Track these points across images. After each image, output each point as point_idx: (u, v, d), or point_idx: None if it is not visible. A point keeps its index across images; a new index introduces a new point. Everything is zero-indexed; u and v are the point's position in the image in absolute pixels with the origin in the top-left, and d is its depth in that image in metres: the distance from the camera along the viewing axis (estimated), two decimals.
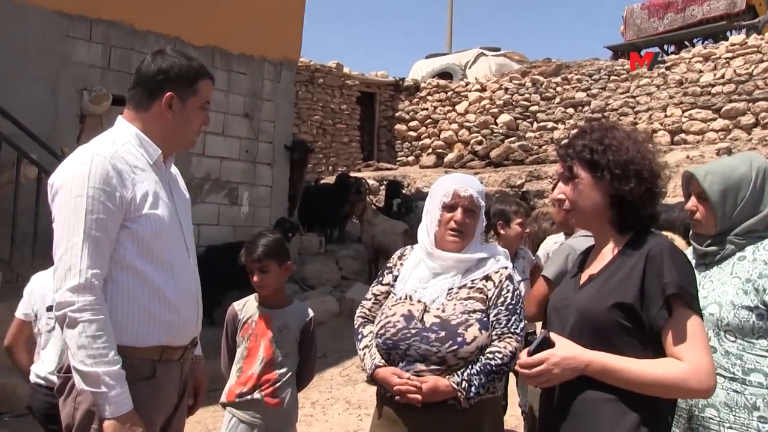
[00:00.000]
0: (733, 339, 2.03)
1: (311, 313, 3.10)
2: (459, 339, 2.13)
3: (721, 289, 2.08)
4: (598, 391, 1.68)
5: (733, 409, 1.98)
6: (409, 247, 2.50)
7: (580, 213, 1.87)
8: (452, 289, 2.25)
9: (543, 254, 3.97)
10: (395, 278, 2.39)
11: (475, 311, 2.19)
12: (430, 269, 2.31)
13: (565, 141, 1.91)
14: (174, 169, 2.31)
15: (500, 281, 2.27)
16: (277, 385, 2.89)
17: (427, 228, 2.36)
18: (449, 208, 2.30)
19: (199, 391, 2.40)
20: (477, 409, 2.14)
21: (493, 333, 2.19)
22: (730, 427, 1.98)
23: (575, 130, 1.95)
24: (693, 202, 2.21)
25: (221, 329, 3.11)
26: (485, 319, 2.19)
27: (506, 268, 2.32)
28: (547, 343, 1.72)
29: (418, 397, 2.09)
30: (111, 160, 1.96)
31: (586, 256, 1.97)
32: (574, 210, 1.87)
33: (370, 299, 2.44)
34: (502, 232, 4.15)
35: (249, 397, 2.87)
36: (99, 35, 7.12)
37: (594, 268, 1.86)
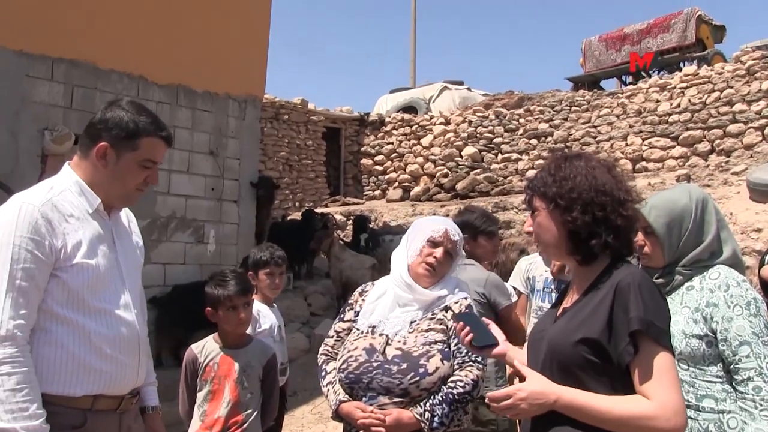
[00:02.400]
0: (686, 367, 2.09)
1: (273, 349, 3.07)
2: (421, 370, 2.13)
3: (673, 319, 2.10)
4: (569, 427, 1.65)
5: None
6: (370, 283, 2.53)
7: (543, 245, 1.87)
8: (414, 321, 2.26)
9: (520, 275, 4.04)
10: (357, 314, 2.41)
11: (436, 342, 2.20)
12: (397, 299, 2.32)
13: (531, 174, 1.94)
14: (126, 217, 2.29)
15: (460, 312, 2.29)
16: (245, 426, 2.83)
17: (405, 257, 2.41)
18: (434, 244, 2.36)
19: None
20: None
21: (455, 362, 2.20)
22: None
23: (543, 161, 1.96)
24: (640, 237, 2.25)
25: None
26: (447, 349, 2.20)
27: (466, 298, 2.35)
28: (469, 317, 1.76)
29: (382, 430, 2.08)
30: (41, 209, 1.93)
31: (567, 287, 1.95)
32: (539, 243, 1.88)
33: (332, 336, 2.46)
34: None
35: None
36: (60, 74, 7.03)
37: (568, 300, 1.86)
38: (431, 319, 2.27)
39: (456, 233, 2.41)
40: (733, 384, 2.01)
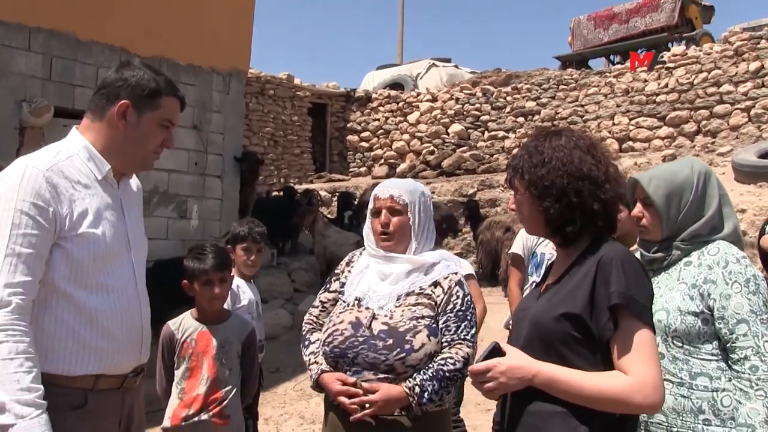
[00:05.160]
0: (680, 345, 2.05)
1: (251, 324, 3.03)
2: (407, 346, 2.10)
3: (669, 295, 2.09)
4: (549, 404, 1.64)
5: (680, 414, 2.00)
6: (357, 251, 2.47)
7: (526, 224, 1.87)
8: (401, 295, 2.22)
9: (523, 240, 4.02)
10: (342, 284, 2.36)
11: (423, 317, 2.16)
12: (378, 273, 2.28)
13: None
14: (134, 186, 2.17)
15: (449, 287, 2.24)
16: (224, 403, 2.79)
17: (367, 237, 2.37)
18: (375, 213, 2.32)
19: None
20: (424, 423, 2.11)
21: (443, 340, 2.16)
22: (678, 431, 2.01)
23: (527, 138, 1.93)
24: (638, 208, 2.22)
25: None
26: (434, 325, 2.16)
27: (456, 273, 2.29)
28: (497, 352, 1.68)
29: (357, 407, 2.07)
30: (46, 173, 1.82)
31: (552, 265, 1.93)
32: (522, 221, 1.88)
33: (317, 306, 2.41)
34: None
35: (196, 419, 2.76)
36: (38, 45, 6.87)
37: (552, 277, 1.84)
38: (419, 294, 2.22)
39: (386, 188, 2.31)
40: (729, 363, 1.98)
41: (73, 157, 1.93)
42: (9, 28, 6.62)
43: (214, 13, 8.45)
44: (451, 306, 2.20)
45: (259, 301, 3.57)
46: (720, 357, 2.01)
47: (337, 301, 2.33)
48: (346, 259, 2.47)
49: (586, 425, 1.60)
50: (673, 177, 2.17)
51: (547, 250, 3.98)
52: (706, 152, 11.52)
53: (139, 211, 2.18)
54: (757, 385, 1.91)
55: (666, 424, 2.02)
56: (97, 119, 1.98)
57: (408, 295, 2.21)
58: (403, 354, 2.08)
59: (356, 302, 2.25)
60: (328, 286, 2.43)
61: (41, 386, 1.71)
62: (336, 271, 2.44)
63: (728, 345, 1.98)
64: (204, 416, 2.76)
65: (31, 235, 1.77)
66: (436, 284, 2.24)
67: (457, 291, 2.23)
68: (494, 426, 4.41)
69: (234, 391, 2.84)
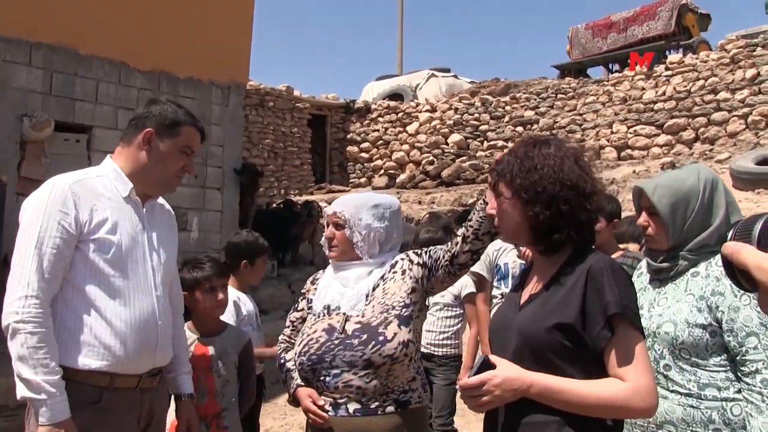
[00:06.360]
0: (687, 357, 2.01)
1: (248, 335, 3.06)
2: (380, 338, 2.13)
3: (676, 306, 2.05)
4: (543, 414, 1.64)
5: (690, 425, 1.97)
6: (320, 271, 2.55)
7: (506, 232, 1.85)
8: (368, 293, 2.28)
9: (486, 260, 4.16)
10: (310, 301, 2.43)
11: (393, 307, 2.20)
12: (340, 281, 2.36)
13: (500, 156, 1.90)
14: (164, 210, 2.43)
15: (406, 256, 2.36)
16: (222, 415, 2.81)
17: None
18: (326, 226, 2.45)
19: (191, 430, 2.47)
20: (401, 417, 2.15)
21: (444, 250, 2.26)
22: None
23: (512, 145, 1.93)
24: (644, 217, 2.18)
25: None
26: (405, 314, 2.19)
27: (403, 258, 2.36)
28: (487, 366, 1.67)
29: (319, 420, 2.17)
30: (71, 185, 2.10)
31: (527, 273, 1.93)
32: (501, 228, 1.85)
33: (288, 326, 2.51)
34: None
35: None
36: (39, 60, 6.94)
37: (533, 287, 1.83)
38: (384, 283, 2.29)
39: (332, 206, 2.45)
40: (740, 375, 1.94)
41: (102, 176, 2.23)
42: (10, 43, 6.69)
43: (212, 27, 8.52)
44: (425, 257, 2.31)
45: (257, 312, 3.60)
46: (728, 368, 1.97)
47: (305, 318, 2.41)
48: (310, 278, 2.56)
49: None
50: (678, 185, 2.12)
51: (509, 259, 4.05)
52: (704, 159, 11.54)
53: (169, 232, 2.43)
54: None
55: None
56: (126, 146, 2.29)
57: (375, 289, 2.28)
58: (379, 346, 2.12)
59: (325, 311, 2.31)
60: (296, 305, 2.52)
61: (60, 370, 1.99)
62: (302, 291, 2.54)
63: (738, 358, 1.94)
64: (202, 428, 2.77)
65: (56, 237, 2.03)
66: (393, 265, 2.34)
67: (418, 254, 2.34)
68: None
69: (231, 401, 2.86)
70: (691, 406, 1.98)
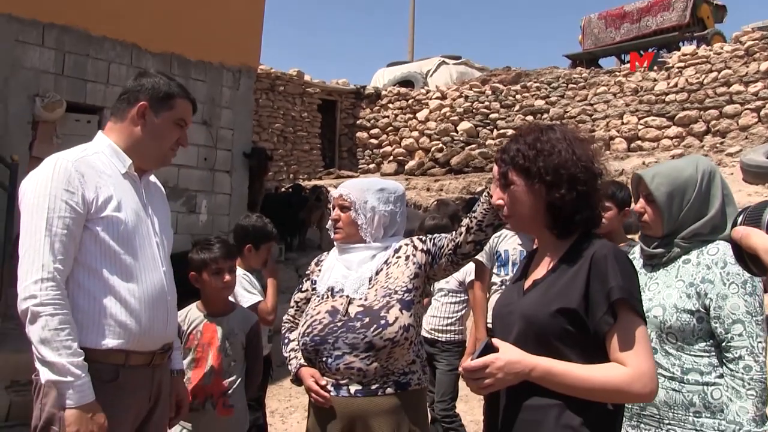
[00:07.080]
0: (673, 341, 2.10)
1: (255, 316, 3.10)
2: (382, 321, 2.17)
3: (666, 292, 2.12)
4: (545, 398, 1.66)
5: (672, 407, 2.07)
6: (325, 253, 2.58)
7: (518, 219, 1.84)
8: (371, 277, 2.31)
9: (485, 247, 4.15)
10: (314, 282, 2.47)
11: (396, 292, 2.23)
12: (344, 263, 2.39)
13: (503, 145, 1.89)
14: (155, 184, 2.40)
15: (410, 241, 2.38)
16: (228, 394, 2.85)
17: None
18: (332, 209, 2.48)
19: (181, 405, 2.46)
20: (400, 398, 2.20)
21: (449, 239, 2.29)
22: (669, 424, 2.07)
23: (512, 133, 1.93)
24: (641, 203, 2.24)
25: None
26: (407, 299, 2.22)
27: (407, 244, 2.39)
28: (490, 350, 1.69)
29: (321, 400, 2.21)
30: (75, 164, 2.06)
31: (531, 260, 1.94)
32: (512, 216, 1.84)
33: (293, 307, 2.57)
34: None
35: (200, 408, 2.82)
36: (52, 40, 6.96)
37: (538, 272, 1.84)
38: (388, 267, 2.32)
39: (338, 189, 2.46)
40: (724, 361, 2.02)
41: (98, 153, 2.17)
42: (23, 23, 6.72)
43: (224, 10, 8.51)
44: (429, 243, 2.33)
45: (261, 290, 3.65)
46: (712, 353, 2.06)
47: (309, 299, 2.45)
48: (315, 259, 2.59)
49: (581, 416, 1.63)
50: (676, 174, 2.18)
51: (510, 246, 4.06)
52: (715, 152, 11.49)
53: (164, 206, 2.41)
54: (749, 384, 1.95)
55: (658, 416, 2.09)
56: (119, 121, 2.24)
57: (378, 273, 2.31)
58: (380, 329, 2.16)
59: (329, 292, 2.34)
60: (300, 286, 2.57)
61: (83, 351, 1.96)
62: (307, 272, 2.57)
63: (723, 344, 2.02)
64: (208, 406, 2.82)
65: (65, 217, 2.00)
66: (397, 250, 2.36)
67: (423, 240, 2.35)
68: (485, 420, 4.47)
69: (238, 381, 2.90)
70: (674, 390, 2.07)
